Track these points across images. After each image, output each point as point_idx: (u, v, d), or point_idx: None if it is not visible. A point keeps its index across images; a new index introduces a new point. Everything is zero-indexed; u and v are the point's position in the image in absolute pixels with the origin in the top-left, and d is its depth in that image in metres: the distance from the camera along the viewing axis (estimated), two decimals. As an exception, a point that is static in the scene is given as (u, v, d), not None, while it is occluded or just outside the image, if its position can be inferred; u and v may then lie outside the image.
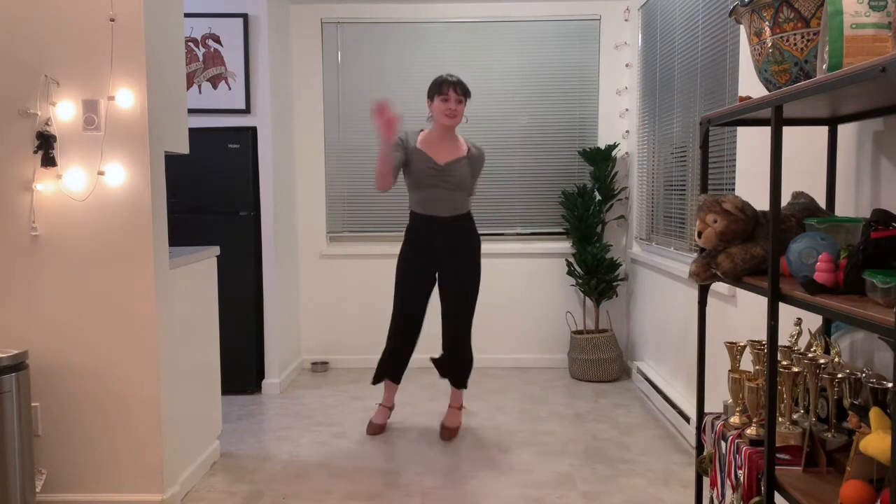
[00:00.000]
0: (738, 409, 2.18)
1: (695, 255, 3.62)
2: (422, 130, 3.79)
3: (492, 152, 4.98)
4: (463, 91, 3.68)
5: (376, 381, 3.98)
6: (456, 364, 3.88)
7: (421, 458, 3.48)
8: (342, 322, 5.26)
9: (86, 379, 2.85)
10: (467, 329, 3.82)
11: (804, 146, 2.48)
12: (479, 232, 3.87)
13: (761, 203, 2.77)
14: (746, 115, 2.02)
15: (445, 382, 4.81)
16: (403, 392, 4.60)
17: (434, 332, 5.15)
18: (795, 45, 1.82)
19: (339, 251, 5.23)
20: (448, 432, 3.78)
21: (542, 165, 5.17)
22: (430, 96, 3.71)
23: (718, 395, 3.15)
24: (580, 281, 4.95)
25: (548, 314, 5.20)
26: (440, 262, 3.77)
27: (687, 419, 3.55)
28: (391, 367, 3.94)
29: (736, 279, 2.02)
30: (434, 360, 4.00)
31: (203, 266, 3.37)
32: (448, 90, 3.63)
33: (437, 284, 3.84)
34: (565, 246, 5.14)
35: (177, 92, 3.11)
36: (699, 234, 2.07)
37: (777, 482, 1.83)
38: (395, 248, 5.16)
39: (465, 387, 3.92)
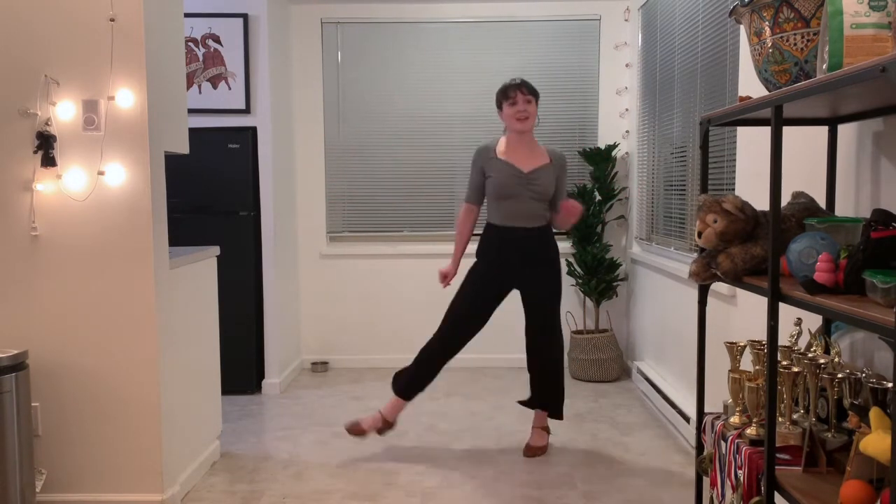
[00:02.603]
0: (738, 409, 2.18)
1: (695, 255, 3.62)
2: (498, 140, 3.58)
3: (492, 152, 4.98)
4: (530, 90, 3.45)
5: (408, 396, 3.58)
6: (549, 383, 3.59)
7: (421, 458, 3.48)
8: (342, 322, 5.26)
9: (86, 379, 2.85)
10: (559, 342, 3.61)
11: (804, 146, 2.48)
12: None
13: (761, 203, 2.77)
14: (746, 115, 2.02)
15: (445, 382, 4.81)
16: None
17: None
18: (795, 45, 1.82)
19: (339, 251, 5.23)
20: (531, 451, 3.54)
21: (542, 165, 5.16)
22: (499, 105, 3.50)
23: (718, 395, 3.15)
24: (580, 281, 4.95)
25: (548, 314, 5.19)
26: (519, 276, 3.53)
27: (687, 419, 3.54)
28: (417, 383, 3.57)
29: (736, 279, 2.02)
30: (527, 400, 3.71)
31: (203, 266, 3.37)
32: (515, 93, 3.43)
33: (520, 298, 3.63)
34: (565, 246, 5.13)
35: (177, 92, 3.11)
36: (699, 234, 2.07)
37: (777, 482, 1.83)
38: (396, 249, 5.21)
39: (562, 416, 3.67)
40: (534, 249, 3.51)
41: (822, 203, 2.29)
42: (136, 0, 2.74)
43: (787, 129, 2.49)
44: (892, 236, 1.57)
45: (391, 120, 5.18)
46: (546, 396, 3.61)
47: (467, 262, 3.64)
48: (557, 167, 3.53)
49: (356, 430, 3.55)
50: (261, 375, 4.64)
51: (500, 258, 3.51)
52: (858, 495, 1.57)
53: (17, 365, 2.61)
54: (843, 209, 2.23)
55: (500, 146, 3.52)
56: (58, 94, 2.78)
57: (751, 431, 2.03)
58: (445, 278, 3.62)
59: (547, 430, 3.63)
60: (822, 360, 1.95)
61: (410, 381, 3.56)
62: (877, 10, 1.57)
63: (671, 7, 4.14)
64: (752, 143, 2.99)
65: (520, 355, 5.17)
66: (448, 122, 5.17)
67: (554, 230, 3.65)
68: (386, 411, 3.56)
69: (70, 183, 2.80)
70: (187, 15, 4.37)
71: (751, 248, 1.99)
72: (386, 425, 3.57)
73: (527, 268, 3.52)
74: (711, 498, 2.24)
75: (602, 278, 4.89)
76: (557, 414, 3.64)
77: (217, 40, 4.49)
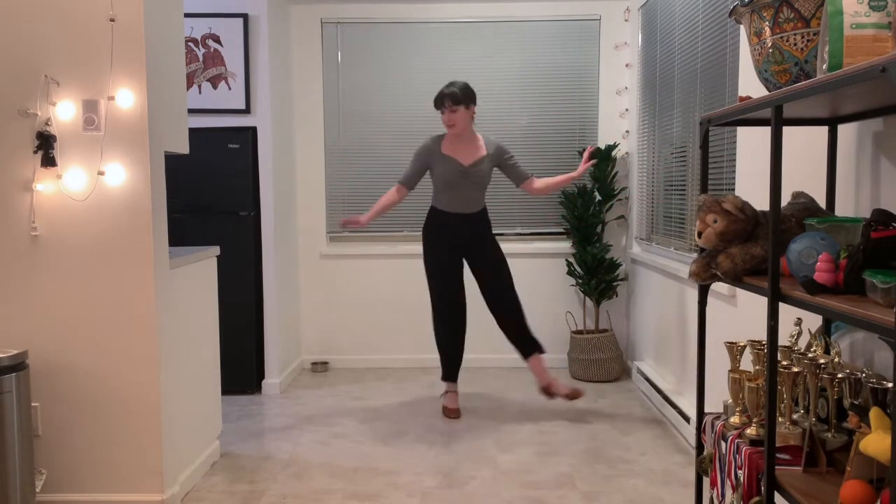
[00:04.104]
0: (738, 409, 2.18)
1: (695, 255, 3.62)
2: (445, 135, 4.09)
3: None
4: (454, 100, 3.93)
5: (448, 378, 4.20)
6: (521, 326, 4.11)
7: (421, 458, 3.48)
8: (342, 322, 5.26)
9: (86, 379, 2.85)
10: (514, 290, 4.12)
11: (804, 146, 2.48)
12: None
13: (761, 203, 2.77)
14: (746, 115, 2.02)
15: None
16: (404, 392, 4.60)
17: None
18: (795, 45, 1.82)
19: (339, 251, 5.23)
20: (562, 391, 4.11)
21: (542, 165, 5.17)
22: (436, 108, 4.05)
23: (718, 395, 3.15)
24: (580, 281, 4.95)
25: (548, 314, 5.20)
26: (468, 252, 4.08)
27: (687, 419, 3.55)
28: (450, 363, 4.17)
29: (736, 279, 2.02)
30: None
31: (203, 266, 3.37)
32: (441, 105, 3.97)
33: (470, 271, 4.16)
34: (565, 246, 5.14)
35: (177, 92, 3.11)
36: (699, 235, 2.07)
37: (777, 482, 1.83)
38: (395, 248, 5.21)
39: (540, 348, 4.14)
40: (473, 229, 4.08)
41: (822, 203, 2.29)
42: (136, 0, 2.74)
43: (787, 129, 2.49)
44: (892, 236, 1.57)
45: (391, 120, 5.18)
46: (529, 341, 4.12)
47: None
48: (496, 156, 4.08)
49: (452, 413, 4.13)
50: (261, 375, 4.64)
51: (443, 236, 4.07)
52: (858, 495, 1.57)
53: (17, 365, 2.61)
54: (843, 209, 2.23)
55: (446, 141, 4.06)
56: (58, 94, 2.78)
57: (751, 431, 2.03)
58: (354, 223, 4.05)
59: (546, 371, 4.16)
60: (822, 360, 1.95)
61: (444, 369, 4.19)
62: (877, 10, 1.57)
63: (671, 7, 4.14)
64: (752, 143, 2.99)
65: (519, 355, 5.19)
66: (448, 122, 5.17)
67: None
68: (448, 401, 4.17)
69: (70, 183, 2.80)
70: (187, 15, 4.37)
71: (751, 248, 1.99)
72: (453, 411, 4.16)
73: (470, 243, 4.08)
74: (711, 498, 2.24)
75: (602, 278, 4.89)
76: (541, 347, 4.16)
77: (217, 40, 4.49)
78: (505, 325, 4.11)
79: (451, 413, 4.11)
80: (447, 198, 4.03)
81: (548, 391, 4.13)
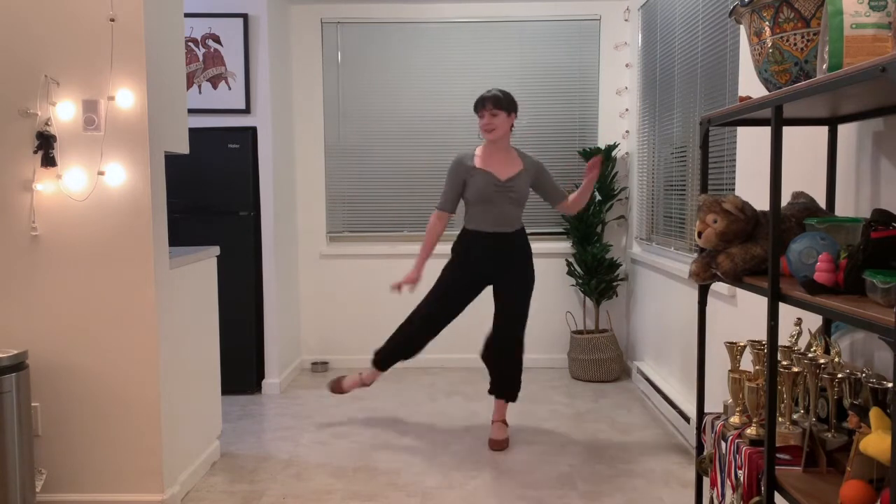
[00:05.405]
0: (738, 409, 2.18)
1: (695, 255, 3.62)
2: (475, 148, 3.77)
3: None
4: (496, 104, 3.61)
5: (384, 366, 3.90)
6: (506, 369, 3.75)
7: (421, 458, 3.48)
8: (342, 322, 5.26)
9: (86, 379, 2.85)
10: (521, 330, 3.74)
11: (804, 146, 2.48)
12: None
13: (761, 203, 2.77)
14: (746, 115, 2.02)
15: (445, 382, 4.81)
16: (404, 392, 4.60)
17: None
18: (795, 45, 1.82)
19: (339, 251, 5.23)
20: (494, 444, 3.62)
21: (542, 165, 5.17)
22: (476, 112, 3.73)
23: (718, 395, 3.15)
24: (580, 281, 4.95)
25: (548, 314, 5.20)
26: (494, 275, 3.71)
27: (687, 419, 3.55)
28: (393, 358, 3.88)
29: (736, 279, 2.02)
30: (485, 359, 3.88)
31: (203, 266, 3.37)
32: (481, 109, 3.65)
33: (492, 292, 3.79)
34: (565, 246, 5.14)
35: (177, 92, 3.11)
36: (699, 235, 2.07)
37: (777, 482, 1.83)
38: (396, 249, 5.21)
39: (514, 399, 3.79)
40: (510, 252, 3.70)
41: (822, 203, 2.29)
42: (136, 0, 2.74)
43: (787, 129, 2.50)
44: (892, 236, 1.57)
45: (391, 120, 5.18)
46: (505, 382, 3.78)
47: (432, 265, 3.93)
48: (532, 172, 3.72)
49: (337, 389, 4.02)
50: (261, 375, 4.64)
51: (476, 261, 3.70)
52: (858, 495, 1.57)
53: (17, 365, 2.61)
54: (843, 209, 2.23)
55: (478, 154, 3.71)
56: (58, 94, 2.78)
57: (751, 431, 2.03)
58: (411, 284, 3.71)
59: (505, 423, 3.75)
60: (822, 360, 1.95)
61: (387, 357, 3.91)
62: (877, 10, 1.57)
63: (671, 7, 4.14)
64: (752, 143, 2.99)
65: (520, 355, 5.19)
66: (448, 122, 5.17)
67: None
68: (365, 377, 3.98)
69: (70, 183, 2.80)
70: (187, 15, 4.37)
71: (751, 248, 1.99)
72: (363, 386, 4.04)
73: (502, 269, 3.70)
74: (711, 498, 2.24)
75: (602, 278, 4.89)
76: (513, 398, 3.81)
77: (217, 40, 4.49)
78: (493, 359, 3.80)
79: (332, 385, 4.03)
80: (481, 216, 3.65)
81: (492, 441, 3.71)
